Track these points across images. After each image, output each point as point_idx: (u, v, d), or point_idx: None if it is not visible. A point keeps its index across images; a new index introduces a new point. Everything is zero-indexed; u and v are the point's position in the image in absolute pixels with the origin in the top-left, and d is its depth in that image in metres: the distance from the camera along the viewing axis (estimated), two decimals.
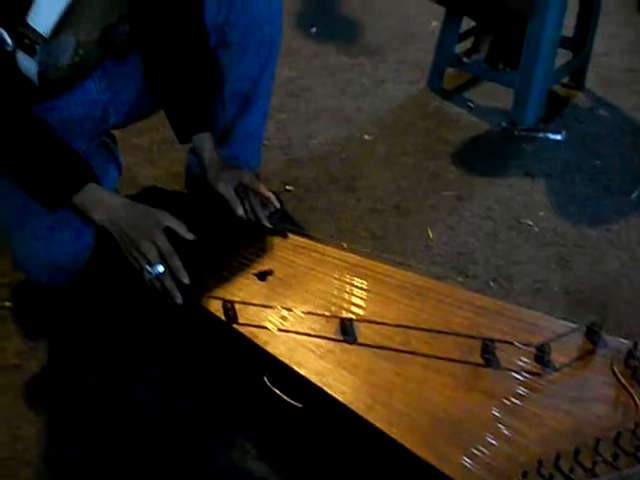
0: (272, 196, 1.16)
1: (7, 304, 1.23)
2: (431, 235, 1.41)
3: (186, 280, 0.98)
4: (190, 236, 1.02)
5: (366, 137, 1.76)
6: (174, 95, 1.20)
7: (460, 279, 1.30)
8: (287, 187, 1.55)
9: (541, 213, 1.48)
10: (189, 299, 0.99)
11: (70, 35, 1.01)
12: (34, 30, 0.96)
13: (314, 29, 2.39)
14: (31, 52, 0.98)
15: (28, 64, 1.00)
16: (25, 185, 1.05)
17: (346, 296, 0.98)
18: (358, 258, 1.05)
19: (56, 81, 1.08)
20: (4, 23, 0.96)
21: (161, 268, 0.98)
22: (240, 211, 1.11)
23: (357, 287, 0.99)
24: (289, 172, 1.61)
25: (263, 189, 1.15)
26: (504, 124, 1.80)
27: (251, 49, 1.21)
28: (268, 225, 1.13)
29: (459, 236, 1.42)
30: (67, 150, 1.05)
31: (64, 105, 1.18)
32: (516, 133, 1.77)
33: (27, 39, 0.96)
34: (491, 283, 1.29)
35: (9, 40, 0.97)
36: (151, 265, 0.98)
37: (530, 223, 1.45)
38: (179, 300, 0.99)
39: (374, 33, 2.40)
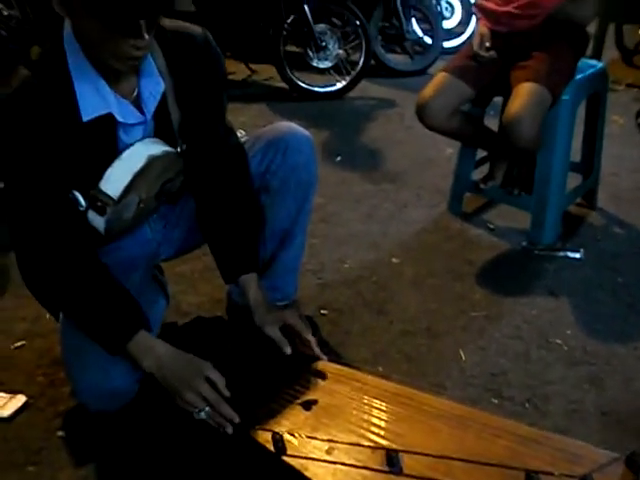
0: (310, 340, 1.22)
1: (59, 433, 1.28)
2: (463, 357, 1.46)
3: (236, 420, 1.04)
4: (227, 393, 1.08)
5: (394, 260, 1.87)
6: (222, 237, 1.31)
7: (495, 401, 1.33)
8: (322, 311, 1.63)
9: (569, 332, 1.53)
10: (238, 429, 1.04)
11: (135, 195, 1.16)
12: (106, 194, 1.11)
13: (339, 158, 2.60)
14: (102, 213, 1.13)
15: (97, 221, 1.15)
16: (86, 331, 1.15)
17: (389, 426, 1.02)
18: (397, 387, 1.11)
19: (119, 230, 1.23)
20: (80, 187, 1.11)
21: (207, 409, 1.05)
22: (288, 350, 1.18)
23: (398, 417, 1.04)
24: (323, 296, 1.70)
25: (304, 330, 1.22)
26: (524, 244, 1.90)
27: (289, 193, 1.35)
28: (322, 357, 1.20)
29: (491, 357, 1.46)
30: (123, 297, 1.15)
31: (123, 245, 1.31)
32: (536, 252, 1.86)
33: (99, 202, 1.12)
34: (526, 404, 1.32)
35: (83, 202, 1.12)
36: (198, 409, 1.05)
37: (559, 342, 1.50)
38: (230, 430, 1.04)
39: (394, 160, 2.60)
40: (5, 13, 2.99)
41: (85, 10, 0.92)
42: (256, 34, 3.46)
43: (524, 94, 1.63)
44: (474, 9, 1.83)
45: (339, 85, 3.43)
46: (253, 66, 3.81)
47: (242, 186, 1.31)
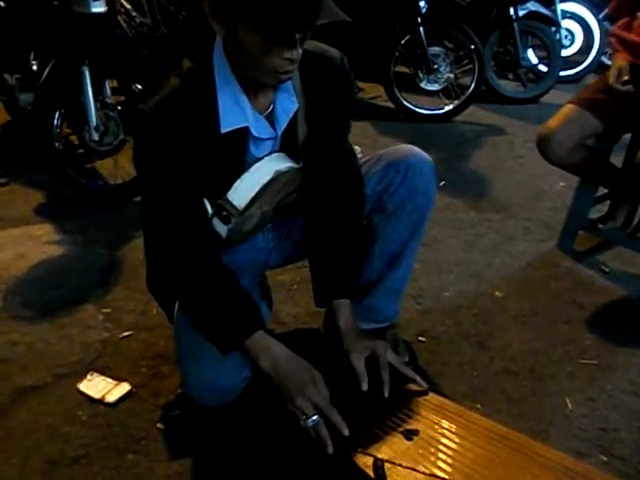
0: (411, 375, 1.19)
1: (159, 425, 1.32)
2: (570, 405, 1.37)
3: (346, 432, 1.03)
4: (335, 415, 1.06)
5: (497, 294, 1.80)
6: (324, 259, 1.31)
7: (604, 458, 1.23)
8: (420, 338, 1.59)
9: None
10: (339, 450, 1.03)
11: (257, 208, 1.19)
12: (232, 204, 1.15)
13: (443, 182, 2.54)
14: (226, 222, 1.17)
15: (220, 229, 1.20)
16: (204, 328, 1.18)
17: (494, 469, 0.97)
18: (504, 429, 1.05)
19: (237, 239, 1.26)
20: (208, 195, 1.16)
21: (315, 418, 1.04)
22: (365, 387, 1.14)
23: (504, 461, 0.98)
24: (422, 323, 1.66)
25: (395, 361, 1.18)
26: None
27: (404, 216, 1.33)
28: (423, 384, 1.16)
29: (600, 410, 1.36)
30: (245, 298, 1.18)
31: (237, 249, 1.34)
32: None
33: (225, 211, 1.16)
34: None
35: (210, 209, 1.16)
36: (306, 416, 1.05)
37: None
38: (330, 450, 1.03)
39: (501, 189, 2.51)
40: (138, 21, 3.21)
41: (248, 24, 0.96)
42: (368, 53, 3.49)
43: None
44: (611, 40, 1.73)
45: (447, 108, 3.39)
46: (361, 84, 3.85)
47: (353, 213, 1.31)
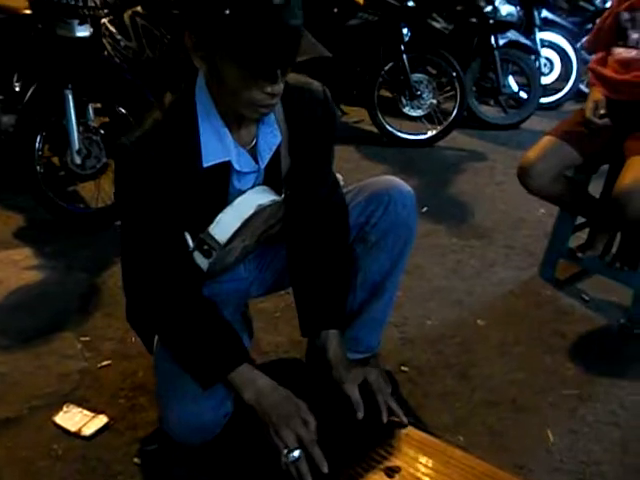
0: (390, 403, 1.18)
1: (135, 460, 1.29)
2: (552, 438, 1.37)
3: (325, 469, 1.01)
4: (315, 436, 1.06)
5: (479, 322, 1.80)
6: (310, 289, 1.30)
7: None
8: (402, 368, 1.59)
9: None
10: None
11: (239, 241, 1.19)
12: (214, 239, 1.14)
13: (425, 208, 2.56)
14: (208, 256, 1.16)
15: (201, 262, 1.19)
16: (185, 362, 1.16)
17: None
18: (486, 466, 1.05)
19: (219, 271, 1.25)
20: (189, 229, 1.15)
21: (297, 453, 1.03)
22: (361, 415, 1.14)
23: None
24: (404, 352, 1.65)
25: (382, 390, 1.18)
26: (622, 321, 1.78)
27: (387, 247, 1.33)
28: (403, 419, 1.16)
29: (582, 442, 1.36)
30: (228, 330, 1.17)
31: (218, 280, 1.33)
32: (636, 332, 1.74)
33: (207, 245, 1.15)
34: None
35: (191, 243, 1.16)
36: (289, 450, 1.03)
37: None
38: None
39: (482, 216, 2.53)
40: (123, 44, 3.21)
41: (229, 59, 0.96)
42: (352, 78, 3.53)
43: (638, 167, 1.55)
44: (589, 75, 1.77)
45: (430, 134, 3.43)
46: (344, 108, 3.88)
47: (338, 243, 1.31)
